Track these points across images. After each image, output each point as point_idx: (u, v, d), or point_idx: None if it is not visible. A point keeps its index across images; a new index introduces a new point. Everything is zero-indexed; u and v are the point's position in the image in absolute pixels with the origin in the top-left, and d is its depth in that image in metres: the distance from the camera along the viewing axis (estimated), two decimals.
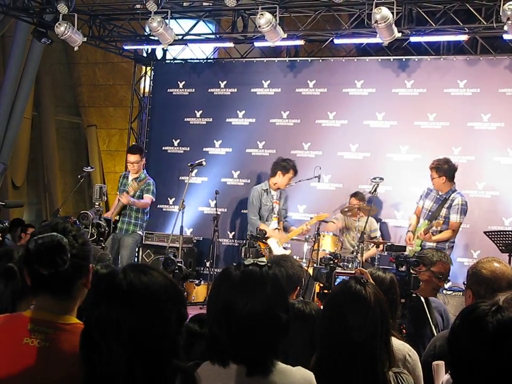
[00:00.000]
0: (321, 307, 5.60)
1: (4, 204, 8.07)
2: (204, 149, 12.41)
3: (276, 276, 2.93)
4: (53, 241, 2.62)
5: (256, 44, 12.48)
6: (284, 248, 10.61)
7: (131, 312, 2.13)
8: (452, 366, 2.43)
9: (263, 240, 10.18)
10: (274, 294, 2.82)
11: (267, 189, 10.81)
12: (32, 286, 2.72)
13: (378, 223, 11.02)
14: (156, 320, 2.15)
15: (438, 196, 9.76)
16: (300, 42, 12.10)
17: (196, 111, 13.12)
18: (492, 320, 2.30)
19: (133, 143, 12.27)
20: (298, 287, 5.30)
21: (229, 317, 2.74)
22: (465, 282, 4.49)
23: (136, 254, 12.69)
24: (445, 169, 9.62)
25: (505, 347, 2.27)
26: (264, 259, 2.97)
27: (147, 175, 10.95)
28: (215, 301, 2.85)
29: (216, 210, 11.82)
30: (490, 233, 9.72)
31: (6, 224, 7.11)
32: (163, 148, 13.37)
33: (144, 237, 12.35)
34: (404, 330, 4.73)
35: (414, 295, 5.30)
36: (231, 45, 13.00)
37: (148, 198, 10.68)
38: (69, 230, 2.74)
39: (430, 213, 9.78)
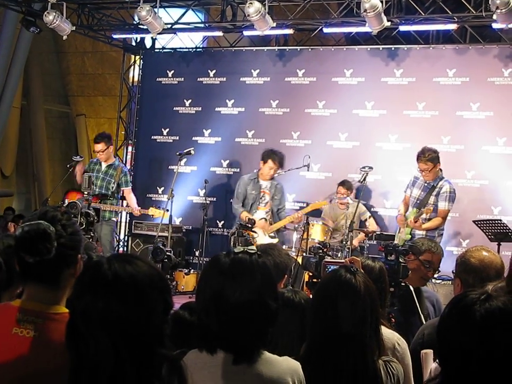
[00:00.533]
0: (311, 296, 5.62)
1: None
2: (193, 138, 12.41)
3: (265, 264, 2.93)
4: (38, 228, 2.62)
5: (245, 33, 12.45)
6: (271, 237, 10.58)
7: (117, 302, 2.12)
8: (440, 355, 2.44)
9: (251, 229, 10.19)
10: (264, 282, 2.83)
11: (255, 178, 10.78)
12: (20, 274, 2.72)
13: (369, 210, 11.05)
14: (142, 310, 2.14)
15: (426, 184, 9.75)
16: (289, 31, 12.07)
17: (185, 100, 13.09)
18: (479, 308, 2.31)
19: (100, 132, 12.29)
20: (286, 275, 5.32)
21: (218, 305, 2.75)
22: (454, 271, 4.51)
23: (117, 242, 12.78)
24: (434, 158, 9.62)
25: (493, 336, 2.27)
26: (253, 247, 2.97)
27: (119, 162, 11.08)
28: (204, 289, 2.85)
29: (206, 200, 11.84)
30: (479, 222, 9.76)
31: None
32: (152, 137, 13.36)
33: (133, 226, 12.38)
34: (392, 319, 4.74)
35: (403, 284, 5.32)
36: (220, 34, 12.98)
37: (129, 190, 10.94)
38: (58, 219, 2.73)
39: (418, 201, 9.77)
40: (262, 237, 10.37)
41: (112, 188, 10.59)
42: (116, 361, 2.09)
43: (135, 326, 2.12)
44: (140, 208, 10.65)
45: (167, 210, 10.74)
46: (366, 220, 10.77)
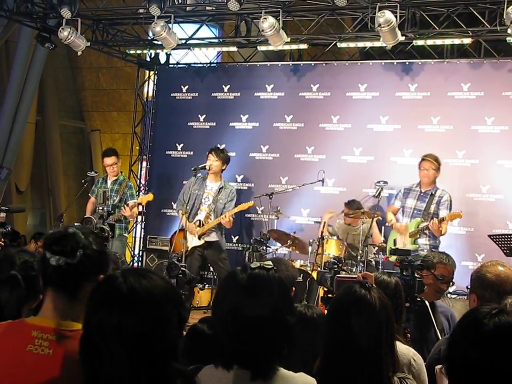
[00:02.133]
0: (325, 311, 5.60)
1: (7, 208, 8.10)
2: (208, 151, 12.43)
3: (281, 279, 2.92)
4: (67, 230, 2.69)
5: (260, 48, 12.47)
6: (199, 238, 10.51)
7: (132, 316, 2.12)
8: (449, 368, 2.42)
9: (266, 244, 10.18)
10: (281, 297, 2.82)
11: (202, 178, 10.83)
12: (42, 283, 2.76)
13: (382, 227, 10.99)
14: (158, 323, 2.14)
15: (422, 193, 9.82)
16: (303, 46, 12.11)
17: (199, 115, 13.12)
18: (488, 323, 2.30)
19: (108, 147, 12.41)
20: (294, 288, 5.31)
21: (236, 320, 2.73)
22: (469, 287, 4.48)
23: (131, 257, 12.84)
24: (439, 161, 9.76)
25: (501, 350, 2.26)
26: (270, 262, 2.96)
27: (124, 177, 11.37)
28: (221, 304, 2.84)
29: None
30: (494, 237, 9.68)
31: (9, 228, 7.13)
32: (166, 152, 13.38)
33: (148, 241, 12.40)
34: (408, 335, 4.72)
35: (418, 299, 5.28)
36: (234, 49, 13.02)
37: (134, 203, 11.02)
38: (91, 233, 2.81)
39: (415, 211, 9.83)
40: (190, 240, 10.36)
41: (114, 201, 10.66)
42: (131, 375, 2.08)
43: (151, 339, 2.11)
44: (130, 205, 10.77)
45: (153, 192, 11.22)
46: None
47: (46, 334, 2.63)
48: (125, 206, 10.73)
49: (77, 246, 2.69)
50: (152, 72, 14.13)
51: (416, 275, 5.26)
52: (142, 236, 13.57)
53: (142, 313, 2.13)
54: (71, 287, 2.71)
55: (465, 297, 9.80)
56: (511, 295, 3.69)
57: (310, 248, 10.68)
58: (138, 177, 14.26)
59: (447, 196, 9.79)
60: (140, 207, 11.58)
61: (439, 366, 3.75)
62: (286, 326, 2.78)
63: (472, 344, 2.29)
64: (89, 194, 11.37)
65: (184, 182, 12.50)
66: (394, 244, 9.87)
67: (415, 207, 9.86)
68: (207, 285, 11.45)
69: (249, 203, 10.71)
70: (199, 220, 10.58)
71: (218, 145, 11.86)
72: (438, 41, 11.31)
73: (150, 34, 12.73)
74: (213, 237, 10.57)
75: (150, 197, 11.10)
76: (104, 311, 2.14)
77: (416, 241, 9.78)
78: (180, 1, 11.44)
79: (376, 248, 10.60)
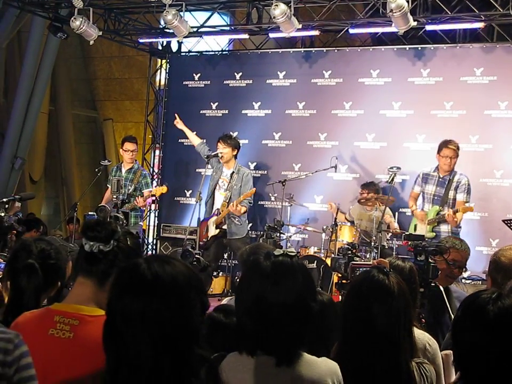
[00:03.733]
0: (340, 297, 5.62)
1: (20, 197, 8.18)
2: (217, 140, 12.43)
3: (304, 266, 2.96)
4: (105, 218, 2.80)
5: (271, 35, 12.47)
6: (217, 228, 10.62)
7: (157, 302, 2.13)
8: (457, 356, 2.43)
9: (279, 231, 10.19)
10: (305, 283, 2.86)
11: (220, 163, 10.92)
12: (73, 270, 2.89)
13: (396, 213, 10.99)
14: (182, 310, 2.15)
15: (441, 179, 9.78)
16: (315, 32, 12.07)
17: (211, 103, 13.13)
18: (492, 308, 2.32)
19: (130, 135, 12.47)
20: None
21: (261, 308, 2.76)
22: (488, 269, 4.50)
23: (145, 245, 12.91)
24: (459, 148, 9.71)
25: (507, 333, 2.27)
26: (293, 249, 2.99)
27: (139, 165, 11.36)
28: (246, 292, 2.87)
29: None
30: (509, 222, 9.67)
31: (20, 216, 7.26)
32: (179, 141, 13.38)
33: (161, 229, 12.43)
34: (422, 320, 4.72)
35: (432, 284, 5.29)
36: (246, 36, 13.01)
37: (149, 192, 10.97)
38: (127, 232, 2.91)
39: (435, 197, 9.80)
40: (211, 229, 10.50)
41: (129, 190, 10.68)
42: (155, 361, 2.09)
43: (175, 326, 2.13)
44: (145, 195, 10.83)
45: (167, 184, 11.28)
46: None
47: (68, 319, 2.69)
48: (139, 196, 10.74)
49: (112, 234, 2.77)
50: (164, 61, 14.14)
51: (430, 260, 5.27)
52: (156, 224, 13.61)
53: (167, 299, 2.14)
54: (100, 274, 2.77)
55: (480, 282, 9.79)
56: None
57: (323, 235, 10.70)
58: (152, 166, 14.29)
59: (465, 180, 9.73)
60: (153, 198, 11.58)
61: (445, 352, 3.76)
62: (309, 312, 2.82)
63: (480, 330, 2.32)
64: (107, 185, 11.40)
65: (197, 170, 12.56)
66: (415, 230, 9.87)
67: (434, 193, 9.83)
68: (221, 273, 11.47)
69: (251, 190, 10.65)
70: (217, 209, 10.62)
71: (230, 133, 11.88)
72: (450, 26, 11.26)
73: (162, 22, 12.75)
74: (232, 225, 10.60)
75: (163, 189, 11.09)
76: (129, 297, 2.15)
77: (435, 228, 9.75)
78: None
79: (390, 234, 10.60)
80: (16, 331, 2.70)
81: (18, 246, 3.56)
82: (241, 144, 11.09)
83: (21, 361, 2.34)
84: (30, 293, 3.27)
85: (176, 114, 11.86)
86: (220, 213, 10.57)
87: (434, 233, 9.67)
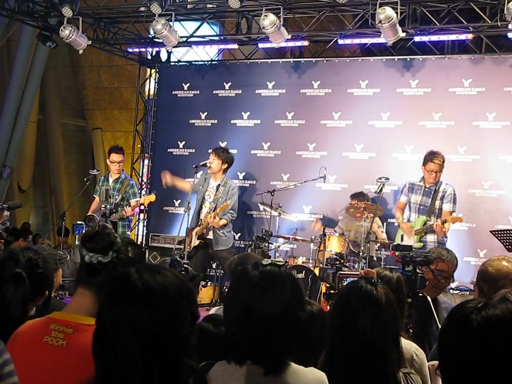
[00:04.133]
0: (328, 307, 5.61)
1: (7, 206, 8.17)
2: (209, 151, 12.37)
3: (292, 276, 2.98)
4: (102, 230, 2.78)
5: (260, 45, 12.48)
6: (199, 239, 10.61)
7: (147, 312, 2.12)
8: (442, 367, 2.43)
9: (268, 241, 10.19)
10: (293, 293, 2.87)
11: (207, 174, 10.92)
12: (75, 282, 2.88)
13: (384, 224, 11.00)
14: (172, 320, 2.14)
15: (427, 189, 9.84)
16: (304, 43, 12.10)
17: (200, 113, 13.13)
18: (476, 317, 2.31)
19: (117, 144, 12.43)
20: None
21: (249, 317, 2.77)
22: (476, 279, 4.51)
23: None
24: (444, 160, 9.76)
25: (492, 343, 2.28)
26: (281, 259, 3.00)
27: (126, 175, 11.33)
28: (234, 301, 2.88)
29: None
30: (496, 232, 9.69)
31: (8, 224, 7.26)
32: (168, 150, 13.39)
33: (150, 239, 12.42)
34: (410, 330, 4.73)
35: (420, 294, 5.29)
36: (235, 46, 13.03)
37: (136, 202, 10.98)
38: (129, 242, 2.95)
39: (421, 207, 9.85)
40: (194, 240, 10.50)
41: (116, 200, 10.67)
42: (143, 370, 2.09)
43: (165, 336, 2.12)
44: (132, 205, 10.79)
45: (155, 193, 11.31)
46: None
47: (62, 327, 2.71)
48: (126, 206, 10.73)
49: (110, 245, 2.77)
50: (153, 70, 14.14)
51: (418, 270, 5.27)
52: (144, 234, 13.58)
53: (157, 309, 2.13)
54: (99, 285, 2.78)
55: (468, 292, 9.81)
56: (507, 289, 3.69)
57: (312, 245, 10.70)
58: (140, 175, 14.27)
59: (450, 190, 9.82)
60: (142, 206, 11.58)
61: (431, 362, 3.76)
62: (297, 322, 2.85)
63: (464, 341, 2.31)
64: (94, 195, 11.38)
65: (186, 180, 12.54)
66: (402, 240, 9.90)
67: (420, 203, 9.88)
68: (209, 282, 11.46)
69: (226, 203, 10.52)
70: (200, 219, 10.62)
71: (220, 143, 11.90)
72: (439, 37, 11.31)
73: (151, 32, 12.76)
74: (217, 236, 10.59)
75: (152, 197, 11.09)
76: (119, 306, 2.14)
77: (422, 238, 9.79)
78: None
79: (378, 244, 10.62)
80: (15, 339, 2.74)
81: (5, 255, 3.56)
82: (231, 154, 11.07)
83: (4, 369, 2.34)
84: (17, 302, 3.26)
85: (167, 176, 11.80)
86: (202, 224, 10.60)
87: (422, 244, 9.71)
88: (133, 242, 3.00)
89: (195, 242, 10.55)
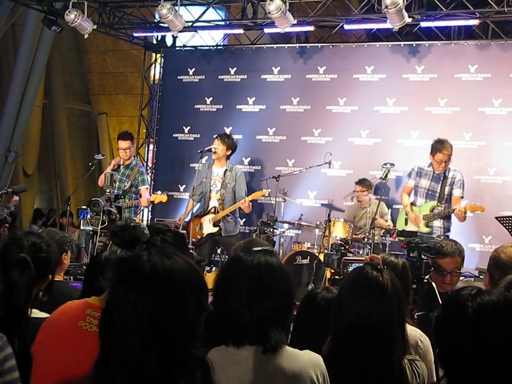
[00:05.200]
0: None
1: (12, 190, 8.18)
2: (214, 136, 12.39)
3: (279, 262, 3.06)
4: (128, 224, 2.80)
5: (266, 30, 12.44)
6: (216, 226, 10.55)
7: (149, 295, 2.11)
8: (440, 353, 2.45)
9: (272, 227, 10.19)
10: (283, 277, 2.96)
11: (209, 164, 10.83)
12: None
13: (389, 209, 10.99)
14: (174, 305, 2.12)
15: (436, 175, 9.79)
16: (310, 28, 12.04)
17: (206, 98, 13.11)
18: (472, 304, 2.34)
19: (125, 130, 12.39)
20: None
21: (252, 302, 2.84)
22: (487, 265, 4.52)
23: None
24: (452, 149, 9.71)
25: (487, 329, 2.29)
26: (271, 247, 3.09)
27: (137, 162, 11.30)
28: (233, 287, 2.91)
29: None
30: (502, 219, 9.68)
31: (13, 209, 7.28)
32: (173, 135, 13.38)
33: None
34: (415, 316, 4.73)
35: (425, 280, 5.29)
36: (240, 31, 12.98)
37: (146, 189, 10.96)
38: (159, 230, 3.00)
39: (430, 192, 9.82)
40: (206, 227, 10.36)
41: (124, 186, 10.66)
42: (141, 353, 2.08)
43: (165, 321, 2.10)
44: (148, 198, 10.73)
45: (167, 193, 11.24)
46: (386, 221, 10.72)
47: (98, 313, 2.73)
48: (141, 197, 10.72)
49: (136, 240, 2.77)
50: (158, 55, 14.11)
51: (422, 256, 5.27)
52: (149, 219, 13.60)
53: (159, 293, 2.12)
54: None
55: (472, 279, 9.79)
56: None
57: (317, 231, 10.70)
58: (145, 160, 14.27)
59: (459, 176, 9.77)
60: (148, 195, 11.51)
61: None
62: (291, 301, 2.95)
63: (459, 327, 2.33)
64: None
65: (191, 165, 12.54)
66: (406, 224, 9.88)
67: (429, 188, 9.84)
68: (214, 267, 11.47)
69: (264, 191, 10.65)
70: (214, 207, 10.59)
71: (225, 128, 11.89)
72: (445, 23, 11.26)
73: (157, 16, 12.72)
74: (227, 223, 10.60)
75: (163, 198, 10.93)
76: (123, 287, 2.14)
77: (431, 223, 9.78)
78: None
79: (383, 230, 10.61)
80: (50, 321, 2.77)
81: (8, 240, 3.56)
82: (235, 141, 11.04)
83: (5, 364, 2.34)
84: (22, 287, 3.26)
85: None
86: (218, 211, 10.56)
87: (430, 228, 9.70)
88: (169, 229, 2.99)
89: (211, 229, 10.51)
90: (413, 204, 10.05)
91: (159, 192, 11.09)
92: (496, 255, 4.41)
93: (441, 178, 9.76)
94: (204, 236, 10.57)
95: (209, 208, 10.63)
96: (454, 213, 9.53)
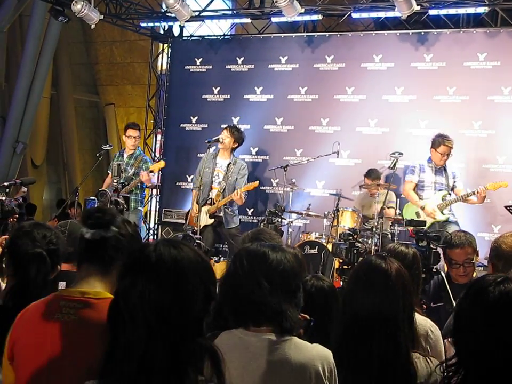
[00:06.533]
0: (341, 283, 5.60)
1: (20, 181, 8.20)
2: (222, 126, 12.29)
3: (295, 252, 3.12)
4: (103, 206, 2.79)
5: (274, 20, 12.40)
6: (212, 217, 10.49)
7: (156, 284, 2.11)
8: (454, 333, 2.45)
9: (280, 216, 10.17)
10: (292, 263, 2.96)
11: (214, 154, 10.78)
12: (78, 260, 2.90)
13: (397, 199, 10.96)
14: (180, 295, 2.12)
15: (437, 169, 9.88)
16: (318, 17, 12.00)
17: (213, 88, 13.08)
18: (493, 290, 2.35)
19: (134, 121, 12.45)
20: None
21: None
22: (489, 256, 4.48)
23: (147, 230, 12.92)
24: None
25: (505, 317, 2.28)
26: (279, 237, 3.13)
27: (141, 151, 11.38)
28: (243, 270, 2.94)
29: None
30: (511, 208, 9.65)
31: (21, 200, 7.32)
32: (181, 125, 13.36)
33: (163, 214, 12.43)
34: (424, 306, 4.71)
35: (434, 270, 5.26)
36: (248, 20, 12.95)
37: (147, 173, 10.88)
38: (124, 220, 2.94)
39: (438, 185, 9.88)
40: (201, 218, 10.31)
41: (128, 173, 10.71)
42: (149, 343, 2.07)
43: (172, 310, 2.10)
44: (147, 172, 10.72)
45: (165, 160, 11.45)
46: (391, 207, 10.71)
47: (73, 303, 2.72)
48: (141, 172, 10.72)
49: (112, 220, 2.79)
50: (165, 45, 14.09)
51: (431, 246, 5.24)
52: (157, 209, 13.60)
53: (165, 282, 2.12)
54: (103, 262, 2.80)
55: (481, 268, 9.76)
56: None
57: (325, 220, 10.68)
58: (153, 151, 14.28)
59: (458, 170, 10.12)
60: (155, 179, 11.54)
61: (449, 339, 3.75)
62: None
63: (479, 312, 2.33)
64: (108, 171, 11.39)
65: (198, 155, 12.51)
66: (418, 217, 9.83)
67: (435, 181, 9.88)
68: (222, 258, 11.46)
69: (254, 183, 10.57)
70: (211, 199, 10.56)
71: (233, 118, 11.85)
72: (454, 11, 11.19)
73: (164, 6, 12.69)
74: (227, 215, 10.56)
75: (161, 164, 11.14)
76: (130, 277, 2.15)
77: (444, 211, 9.82)
78: None
79: (392, 220, 10.58)
80: (24, 319, 2.78)
81: (17, 232, 3.56)
82: (243, 130, 11.01)
83: None
84: (39, 281, 3.28)
85: None
86: (214, 203, 10.52)
87: (446, 215, 9.74)
88: (128, 220, 2.99)
89: (207, 221, 10.50)
90: (420, 199, 10.03)
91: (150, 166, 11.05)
92: (497, 246, 4.38)
93: (443, 172, 9.84)
94: (201, 227, 10.54)
95: (207, 199, 10.59)
96: (476, 194, 9.56)
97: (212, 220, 10.50)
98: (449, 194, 9.87)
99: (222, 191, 10.53)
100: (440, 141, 9.72)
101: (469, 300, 2.40)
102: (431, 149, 9.86)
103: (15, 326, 2.78)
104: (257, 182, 10.56)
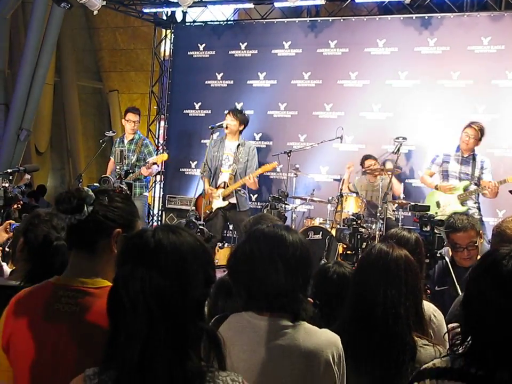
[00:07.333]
0: None
1: (24, 168, 8.20)
2: (225, 112, 12.33)
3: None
4: (76, 188, 2.74)
5: (276, 4, 12.37)
6: (225, 200, 10.50)
7: (156, 270, 2.11)
8: (464, 303, 2.45)
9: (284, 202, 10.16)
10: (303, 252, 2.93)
11: (222, 138, 10.78)
12: (67, 242, 2.88)
13: (402, 184, 10.95)
14: (181, 280, 2.12)
15: (464, 157, 9.72)
16: (321, 1, 11.96)
17: (216, 74, 13.06)
18: (507, 263, 2.33)
19: (134, 106, 12.46)
20: None
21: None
22: (490, 241, 4.46)
23: (151, 216, 12.92)
24: (483, 130, 9.63)
25: None
26: (281, 222, 3.07)
27: (140, 135, 11.32)
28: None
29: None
30: None
31: (24, 188, 7.32)
32: (184, 111, 13.35)
33: (167, 201, 12.43)
34: (428, 291, 4.70)
35: (438, 255, 5.26)
36: (251, 6, 12.90)
37: (154, 160, 10.95)
38: (106, 191, 2.86)
39: (463, 175, 9.74)
40: (215, 201, 10.38)
41: (131, 160, 10.70)
42: (150, 329, 2.07)
43: (172, 296, 2.10)
44: (149, 163, 10.76)
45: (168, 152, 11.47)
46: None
47: (71, 292, 2.68)
48: (143, 166, 10.74)
49: (82, 201, 2.72)
50: (168, 31, 14.06)
51: (435, 231, 5.23)
52: (161, 196, 13.60)
53: (165, 267, 2.12)
54: (86, 244, 2.75)
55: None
56: None
57: (329, 206, 10.67)
58: (157, 137, 14.27)
59: (488, 162, 9.78)
60: (158, 167, 11.56)
61: (452, 325, 3.75)
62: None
63: (491, 284, 2.32)
64: (110, 157, 11.39)
65: (202, 141, 12.51)
66: (438, 206, 9.78)
67: (460, 171, 9.76)
68: (226, 244, 11.47)
69: (273, 164, 10.62)
70: (224, 182, 10.54)
71: (236, 104, 11.82)
72: None
73: None
74: (240, 198, 10.55)
75: (164, 156, 11.18)
76: (129, 263, 2.14)
77: (465, 203, 9.73)
78: None
79: (396, 205, 10.57)
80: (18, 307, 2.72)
81: (32, 219, 3.57)
82: (247, 115, 11.00)
83: None
84: (62, 271, 3.28)
85: None
86: (228, 186, 10.51)
87: (466, 207, 9.67)
88: (106, 190, 2.93)
89: (220, 203, 10.49)
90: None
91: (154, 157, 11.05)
92: (500, 231, 4.37)
93: (470, 161, 9.70)
94: (213, 210, 10.53)
95: (219, 183, 10.58)
96: (487, 189, 9.48)
97: (226, 202, 10.49)
98: (475, 185, 9.75)
99: (234, 173, 10.53)
100: (466, 126, 9.67)
101: (481, 273, 2.39)
102: (461, 133, 9.79)
103: (11, 315, 2.73)
104: (276, 163, 10.58)
